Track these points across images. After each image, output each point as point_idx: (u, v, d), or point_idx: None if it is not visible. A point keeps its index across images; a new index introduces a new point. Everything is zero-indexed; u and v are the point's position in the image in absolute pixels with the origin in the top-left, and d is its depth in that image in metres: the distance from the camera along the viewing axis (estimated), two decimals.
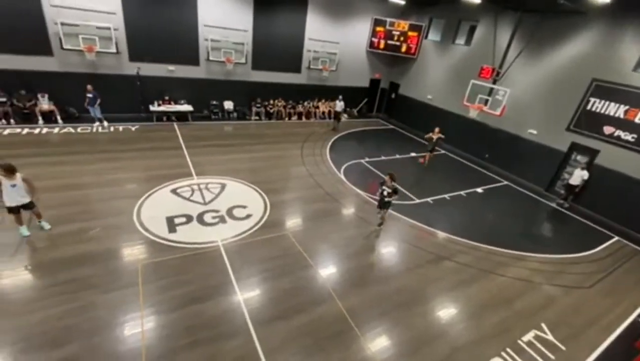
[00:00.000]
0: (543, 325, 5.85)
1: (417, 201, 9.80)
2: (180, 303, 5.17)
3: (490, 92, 12.41)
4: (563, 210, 10.95)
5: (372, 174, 11.28)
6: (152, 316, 4.91)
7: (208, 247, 6.51)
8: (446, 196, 10.42)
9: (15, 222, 6.06)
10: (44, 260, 5.69)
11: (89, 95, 11.34)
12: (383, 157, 12.99)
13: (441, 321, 5.66)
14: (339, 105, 15.61)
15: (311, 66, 16.36)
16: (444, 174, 12.54)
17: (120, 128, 11.99)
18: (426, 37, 16.87)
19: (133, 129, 12.13)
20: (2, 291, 5.02)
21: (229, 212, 7.75)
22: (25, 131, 10.68)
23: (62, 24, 10.87)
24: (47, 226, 6.40)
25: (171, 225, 6.99)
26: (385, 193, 7.28)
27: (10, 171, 5.61)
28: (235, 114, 15.28)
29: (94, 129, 11.53)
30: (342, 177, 10.62)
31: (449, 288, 6.44)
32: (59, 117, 11.62)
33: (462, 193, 10.86)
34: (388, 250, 7.44)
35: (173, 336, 4.66)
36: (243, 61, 14.51)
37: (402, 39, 17.00)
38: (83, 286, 5.23)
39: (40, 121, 11.29)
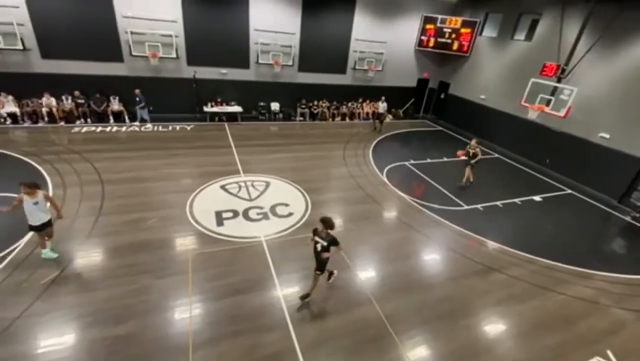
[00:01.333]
0: (609, 353, 5.20)
1: (466, 207, 9.27)
2: (225, 293, 5.46)
3: (554, 91, 11.29)
4: None
5: (417, 177, 10.90)
6: (199, 303, 5.25)
7: (252, 242, 6.79)
8: (498, 203, 9.71)
9: (39, 245, 5.82)
10: (110, 245, 6.35)
11: (137, 98, 12.46)
12: (429, 160, 12.49)
13: (487, 337, 5.29)
14: (382, 106, 15.34)
15: (356, 67, 16.28)
16: (496, 179, 11.71)
17: (177, 127, 12.98)
18: (480, 33, 15.87)
19: (188, 128, 13.06)
20: (77, 269, 5.71)
21: (272, 209, 8.00)
22: (99, 129, 12.04)
23: (132, 32, 12.09)
24: (53, 255, 5.84)
25: (219, 219, 7.40)
26: (319, 248, 5.05)
27: (33, 188, 5.37)
28: (281, 115, 15.74)
29: (142, 128, 12.64)
30: (385, 179, 10.41)
31: (498, 303, 6.00)
32: (126, 117, 12.92)
33: (516, 200, 10.04)
34: (431, 257, 7.13)
35: (217, 324, 4.93)
36: (290, 63, 14.90)
37: (453, 36, 16.19)
38: (140, 271, 5.75)
39: (111, 120, 12.65)
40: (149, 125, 12.89)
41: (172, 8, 12.46)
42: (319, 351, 4.68)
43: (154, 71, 13.20)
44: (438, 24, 16.19)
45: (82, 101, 12.25)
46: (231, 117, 14.41)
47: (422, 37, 16.77)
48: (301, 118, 15.94)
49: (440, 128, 17.37)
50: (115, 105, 12.80)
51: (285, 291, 5.65)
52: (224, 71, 14.24)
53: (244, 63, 14.43)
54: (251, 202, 8.24)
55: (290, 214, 7.92)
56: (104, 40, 12.08)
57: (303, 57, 15.21)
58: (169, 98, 13.71)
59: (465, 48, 16.21)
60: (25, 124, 11.61)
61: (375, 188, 9.80)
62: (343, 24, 15.30)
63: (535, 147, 13.37)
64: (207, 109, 13.96)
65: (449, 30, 16.14)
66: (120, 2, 11.78)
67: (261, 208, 8.02)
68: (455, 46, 16.37)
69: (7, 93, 11.42)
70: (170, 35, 12.61)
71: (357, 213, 8.39)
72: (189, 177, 9.14)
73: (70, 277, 5.52)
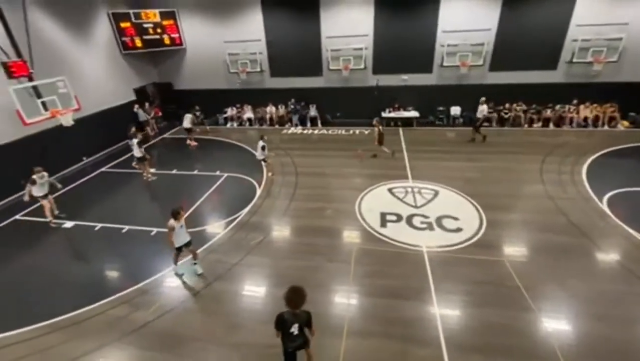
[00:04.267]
0: None
1: None
2: (381, 293, 5.61)
3: None
4: None
5: None
6: (356, 294, 5.64)
7: (412, 249, 6.65)
8: None
9: (174, 260, 6.24)
10: (296, 225, 7.79)
11: (292, 106, 14.46)
12: None
13: None
14: (480, 109, 12.03)
15: (574, 59, 12.76)
16: None
17: (357, 131, 14.29)
18: None
19: (366, 132, 14.12)
20: (273, 239, 7.33)
21: (438, 220, 7.53)
22: (299, 130, 14.88)
23: (331, 50, 14.20)
24: (199, 270, 6.28)
25: (383, 220, 7.66)
26: (295, 332, 3.66)
27: (180, 214, 5.74)
28: (461, 120, 14.48)
29: (329, 132, 14.41)
30: (605, 208, 7.73)
31: None
32: (319, 122, 15.36)
33: None
34: None
35: (370, 319, 5.14)
36: (479, 62, 13.42)
37: None
38: (315, 252, 6.74)
39: (308, 124, 15.37)
40: (299, 129, 14.91)
41: (366, 22, 13.74)
42: None
43: (344, 82, 15.01)
44: None
45: (293, 107, 15.51)
46: (406, 122, 14.50)
47: None
48: (486, 124, 14.07)
49: None
50: (312, 112, 15.45)
51: (443, 311, 5.22)
52: (405, 77, 14.48)
53: (426, 68, 14.17)
54: (416, 209, 8.05)
55: (459, 229, 7.20)
56: (311, 59, 14.77)
57: (497, 55, 13.34)
58: (352, 105, 15.29)
59: None
60: (256, 126, 15.85)
61: (586, 216, 7.46)
62: (558, 8, 12.33)
63: None
64: (385, 114, 14.62)
65: None
66: (325, 26, 14.06)
67: (426, 216, 7.70)
68: None
69: (248, 104, 15.97)
70: (361, 48, 13.97)
71: (552, 244, 6.65)
72: (361, 177, 9.90)
73: (268, 243, 7.16)
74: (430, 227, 7.34)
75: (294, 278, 5.95)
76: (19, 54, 8.88)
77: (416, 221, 7.57)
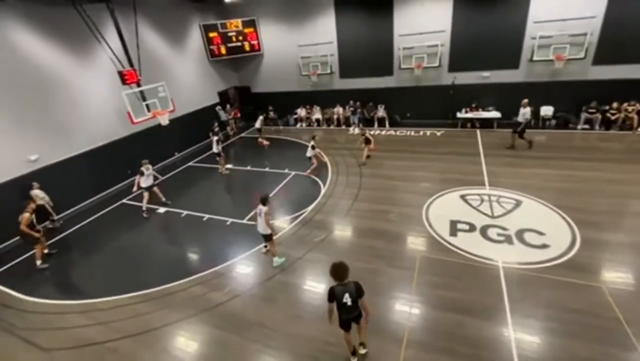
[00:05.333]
0: None
1: None
2: (447, 306, 5.27)
3: None
4: None
5: None
6: (419, 304, 5.39)
7: (486, 263, 6.08)
8: None
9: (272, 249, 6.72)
10: (358, 226, 7.76)
11: (351, 108, 14.73)
12: None
13: None
14: (522, 112, 10.36)
15: None
16: None
17: (428, 133, 13.57)
18: None
19: (438, 134, 13.33)
20: (334, 237, 7.42)
21: (519, 234, 6.73)
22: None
23: (403, 48, 13.73)
24: (278, 261, 6.64)
25: (453, 229, 7.15)
26: (348, 303, 4.07)
27: (268, 200, 6.31)
28: (553, 122, 12.71)
29: (397, 133, 13.89)
30: None
31: None
32: (387, 123, 15.01)
33: None
34: None
35: (433, 333, 4.87)
36: (580, 55, 11.57)
37: None
38: (376, 255, 6.63)
39: (375, 125, 15.13)
40: (356, 129, 14.51)
41: (443, 17, 12.96)
42: None
43: (416, 81, 14.39)
44: None
45: (353, 109, 15.45)
46: (485, 123, 13.27)
47: None
48: (586, 126, 12.12)
49: None
50: (380, 112, 15.16)
51: (520, 335, 4.67)
52: (486, 74, 13.26)
53: (512, 63, 12.75)
54: (493, 219, 7.33)
55: (545, 246, 6.35)
56: (381, 58, 14.48)
57: (604, 44, 11.35)
58: (423, 105, 14.57)
59: None
60: (324, 127, 16.17)
61: None
62: None
63: None
64: (460, 115, 13.59)
65: None
66: (398, 24, 13.65)
67: (504, 228, 6.95)
68: None
69: (317, 105, 16.39)
70: (436, 45, 13.21)
71: None
72: (430, 181, 9.39)
73: (330, 242, 7.27)
74: (508, 240, 6.61)
75: (354, 279, 5.96)
76: (130, 63, 10.56)
77: (492, 232, 6.89)
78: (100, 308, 6.08)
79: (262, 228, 6.34)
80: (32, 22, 9.13)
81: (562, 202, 7.60)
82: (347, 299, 3.98)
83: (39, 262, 7.53)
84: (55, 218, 9.31)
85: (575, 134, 11.91)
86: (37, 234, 7.36)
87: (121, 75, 9.82)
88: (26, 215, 7.12)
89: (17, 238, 8.23)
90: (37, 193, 8.76)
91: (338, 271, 3.98)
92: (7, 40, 8.66)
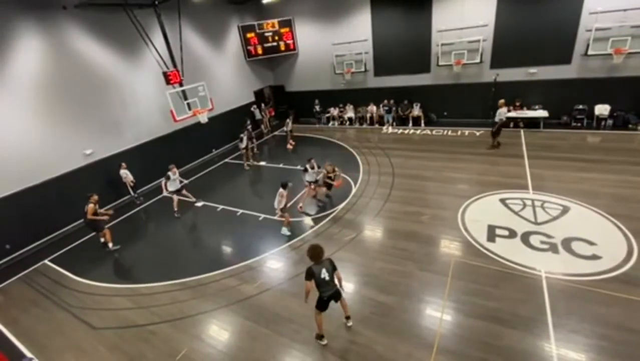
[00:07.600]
0: None
1: None
2: (481, 315, 5.02)
3: None
4: None
5: None
6: (452, 310, 5.18)
7: (527, 273, 5.70)
8: None
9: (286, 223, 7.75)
10: (389, 227, 7.61)
11: (385, 108, 14.64)
12: None
13: None
14: (499, 112, 9.78)
15: None
16: None
17: (466, 132, 12.97)
18: None
19: (477, 134, 12.70)
20: (365, 238, 7.34)
21: (566, 243, 6.24)
22: (400, 131, 14.40)
23: (442, 44, 13.21)
24: (285, 230, 7.78)
25: (491, 234, 6.79)
26: (325, 277, 4.62)
27: (287, 186, 7.69)
28: (610, 122, 11.59)
29: (433, 132, 13.37)
30: None
31: None
32: (422, 122, 14.55)
33: None
34: None
35: (466, 341, 4.66)
36: None
37: None
38: (407, 257, 6.47)
39: (410, 124, 14.72)
40: (390, 129, 14.22)
41: (486, 11, 12.28)
42: None
43: (455, 78, 13.79)
44: None
45: (387, 108, 15.13)
46: (531, 123, 12.41)
47: None
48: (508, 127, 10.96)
49: None
50: (416, 111, 14.72)
51: (563, 351, 4.33)
52: (532, 70, 12.39)
53: (564, 58, 11.80)
54: (536, 226, 6.85)
55: (595, 257, 5.83)
56: (418, 55, 14.05)
57: None
58: (462, 103, 13.94)
59: None
60: (356, 125, 16.05)
61: None
62: None
63: None
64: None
65: None
66: (437, 19, 13.15)
67: (549, 236, 6.47)
68: None
69: (350, 103, 16.27)
70: (478, 41, 12.56)
71: None
72: (467, 183, 8.98)
73: (360, 241, 7.21)
74: (553, 249, 6.15)
75: (383, 281, 5.90)
76: (174, 64, 11.16)
77: (535, 239, 6.45)
78: (143, 293, 6.52)
79: (276, 203, 7.59)
80: (89, 28, 9.95)
81: (617, 210, 6.93)
82: (324, 274, 4.52)
83: (110, 244, 8.17)
84: (136, 195, 10.82)
85: (635, 135, 10.78)
86: (105, 217, 7.94)
87: (165, 75, 10.43)
88: (91, 205, 7.71)
89: (82, 224, 8.68)
90: (122, 173, 10.30)
91: (315, 251, 4.55)
92: (69, 44, 9.50)
